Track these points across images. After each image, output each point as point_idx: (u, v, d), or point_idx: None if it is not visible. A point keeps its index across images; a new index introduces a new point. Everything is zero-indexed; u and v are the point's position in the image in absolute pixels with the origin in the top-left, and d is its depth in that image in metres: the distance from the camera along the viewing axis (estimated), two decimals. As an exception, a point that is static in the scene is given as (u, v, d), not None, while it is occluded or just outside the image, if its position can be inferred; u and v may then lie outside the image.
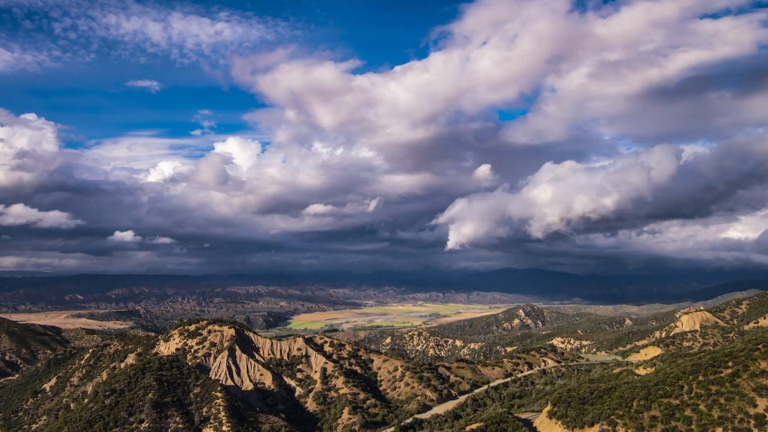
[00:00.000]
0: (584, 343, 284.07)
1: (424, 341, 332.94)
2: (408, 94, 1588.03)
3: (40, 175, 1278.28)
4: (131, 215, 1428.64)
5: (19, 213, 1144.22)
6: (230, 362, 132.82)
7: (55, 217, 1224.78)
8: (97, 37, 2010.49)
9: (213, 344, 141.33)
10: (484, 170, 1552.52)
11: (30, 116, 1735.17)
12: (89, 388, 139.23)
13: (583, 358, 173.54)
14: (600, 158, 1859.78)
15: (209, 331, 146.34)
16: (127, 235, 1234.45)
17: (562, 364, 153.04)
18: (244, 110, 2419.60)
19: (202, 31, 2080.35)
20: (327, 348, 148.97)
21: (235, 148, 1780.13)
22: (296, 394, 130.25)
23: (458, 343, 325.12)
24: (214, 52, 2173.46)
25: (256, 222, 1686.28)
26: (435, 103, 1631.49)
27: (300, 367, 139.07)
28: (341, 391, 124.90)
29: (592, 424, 73.66)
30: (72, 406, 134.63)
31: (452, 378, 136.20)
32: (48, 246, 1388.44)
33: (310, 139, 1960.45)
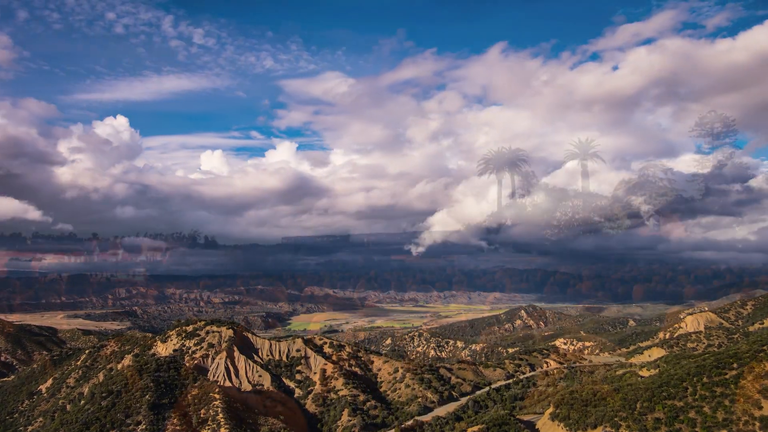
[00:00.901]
0: (587, 344, 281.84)
1: (424, 342, 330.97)
2: (499, 116, 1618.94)
3: (121, 181, 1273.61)
4: (178, 217, 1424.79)
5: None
6: (228, 363, 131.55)
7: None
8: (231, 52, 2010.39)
9: (211, 345, 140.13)
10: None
11: (121, 120, 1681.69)
12: (86, 390, 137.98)
13: (586, 360, 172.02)
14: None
15: (207, 332, 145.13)
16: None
17: (565, 365, 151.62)
18: (319, 116, 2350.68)
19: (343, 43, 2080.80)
20: (326, 349, 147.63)
21: (300, 154, 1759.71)
22: (295, 396, 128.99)
23: (459, 344, 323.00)
24: (347, 61, 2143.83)
25: (289, 224, 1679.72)
26: (521, 121, 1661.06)
27: (299, 368, 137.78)
28: (341, 393, 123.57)
29: (594, 426, 72.61)
30: (68, 407, 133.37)
31: (453, 379, 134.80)
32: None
33: (393, 148, 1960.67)
